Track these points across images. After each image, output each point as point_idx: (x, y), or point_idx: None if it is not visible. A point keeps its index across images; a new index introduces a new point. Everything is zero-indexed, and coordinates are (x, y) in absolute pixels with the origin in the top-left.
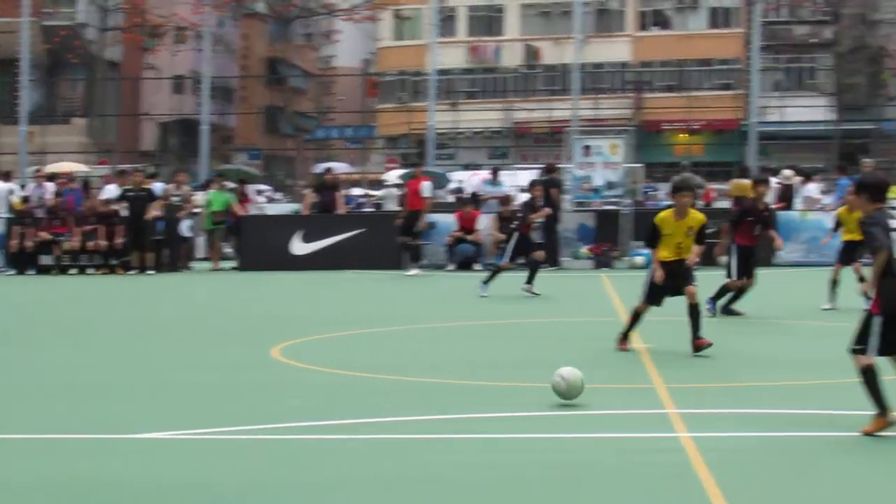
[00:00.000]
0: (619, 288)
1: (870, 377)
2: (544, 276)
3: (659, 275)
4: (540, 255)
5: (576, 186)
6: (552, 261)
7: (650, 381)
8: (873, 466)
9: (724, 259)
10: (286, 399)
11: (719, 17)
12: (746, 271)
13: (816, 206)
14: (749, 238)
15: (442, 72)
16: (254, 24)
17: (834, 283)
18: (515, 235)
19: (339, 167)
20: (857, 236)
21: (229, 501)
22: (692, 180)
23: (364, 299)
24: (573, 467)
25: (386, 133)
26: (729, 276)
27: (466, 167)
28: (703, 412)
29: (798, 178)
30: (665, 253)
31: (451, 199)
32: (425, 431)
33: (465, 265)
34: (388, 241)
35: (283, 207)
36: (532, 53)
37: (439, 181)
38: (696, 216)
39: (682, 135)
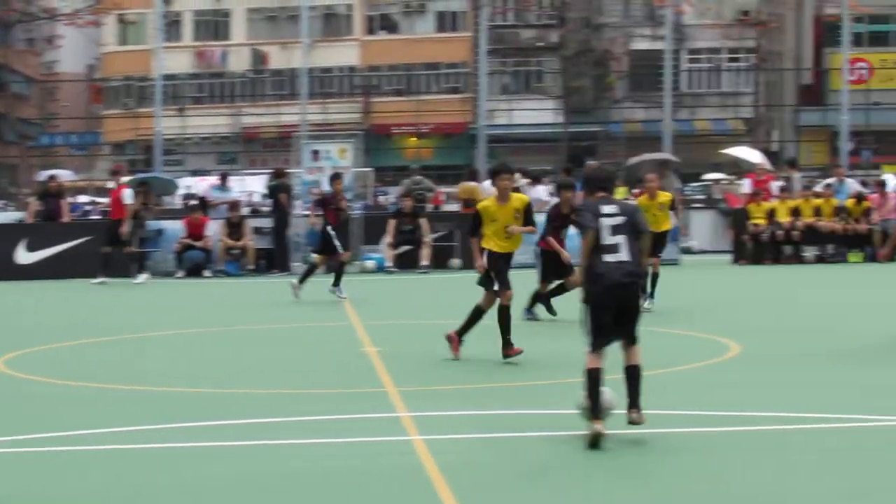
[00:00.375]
0: (351, 291)
1: (589, 380)
2: (276, 283)
3: (480, 264)
4: (345, 255)
5: (305, 191)
6: (282, 266)
7: (381, 385)
8: (601, 466)
9: (455, 262)
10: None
11: (447, 22)
12: (555, 274)
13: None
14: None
15: (168, 77)
16: None
17: None
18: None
19: (64, 174)
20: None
21: None
22: (509, 163)
23: (92, 308)
24: (304, 474)
25: (112, 139)
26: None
27: (195, 173)
28: (434, 415)
29: (526, 181)
30: (494, 242)
31: (179, 205)
32: (150, 441)
33: (194, 272)
34: (116, 250)
35: (8, 216)
36: (259, 58)
37: (167, 187)
38: (520, 198)
39: (411, 138)
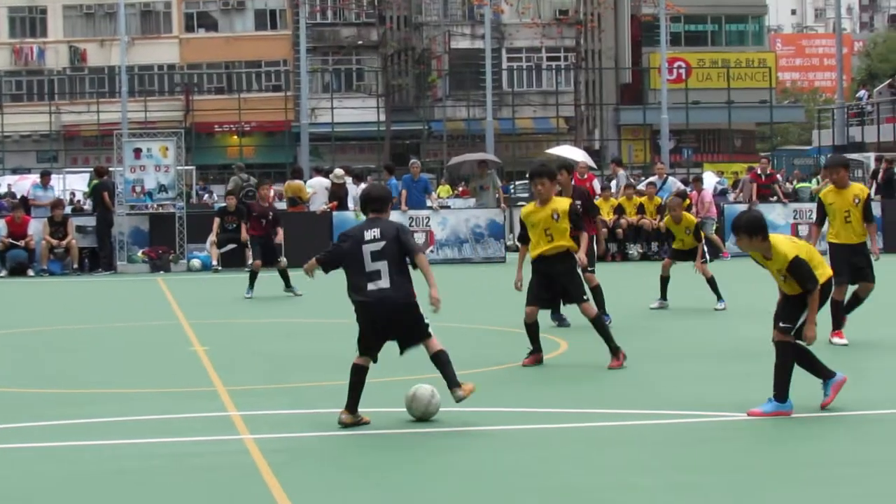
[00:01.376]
0: (176, 290)
1: (352, 374)
2: (100, 282)
3: (518, 279)
4: (282, 261)
5: (127, 190)
6: (107, 265)
7: (211, 385)
8: (428, 462)
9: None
10: None
11: (266, 20)
12: None
13: None
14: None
15: None
16: None
17: None
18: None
19: None
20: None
21: None
22: (549, 164)
23: None
24: (134, 473)
25: None
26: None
27: (14, 171)
28: (264, 413)
29: (349, 178)
30: (537, 245)
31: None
32: None
33: (17, 271)
34: None
35: None
36: (77, 55)
37: None
38: (562, 201)
39: (233, 136)
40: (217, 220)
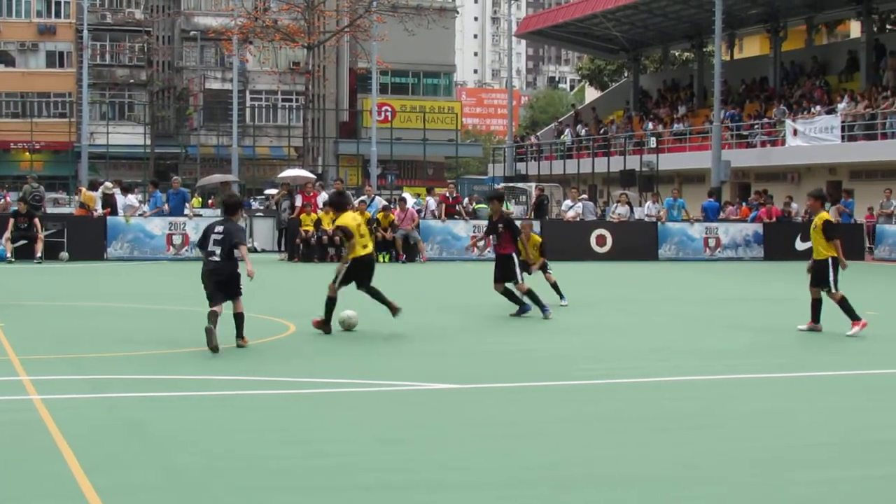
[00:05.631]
0: None
1: (209, 320)
2: None
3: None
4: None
5: None
6: None
7: (4, 354)
8: (189, 417)
9: (63, 255)
10: None
11: (56, 59)
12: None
13: (138, 213)
14: (504, 247)
15: None
16: None
17: None
18: None
19: None
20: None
21: None
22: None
23: None
24: None
25: None
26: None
27: None
28: (52, 378)
29: (118, 189)
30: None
31: None
32: None
33: None
34: None
35: None
36: None
37: None
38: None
39: (25, 153)
40: (11, 221)
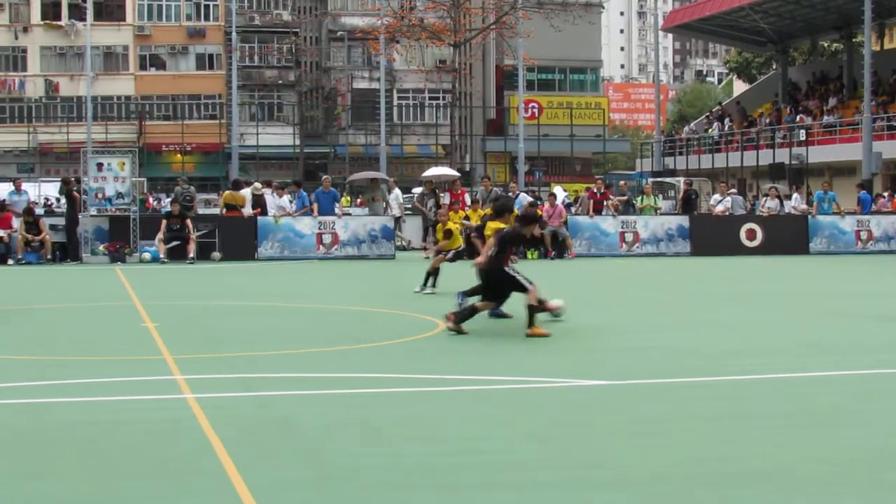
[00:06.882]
0: (131, 278)
1: None
2: (68, 270)
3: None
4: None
5: (92, 196)
6: (74, 257)
7: (159, 354)
8: (338, 416)
9: (216, 255)
10: None
11: (205, 61)
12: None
13: (286, 213)
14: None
15: None
16: None
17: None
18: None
19: None
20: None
21: None
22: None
23: None
24: (95, 427)
25: None
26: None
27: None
28: (205, 377)
29: (268, 190)
30: None
31: None
32: None
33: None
34: None
35: None
36: (51, 87)
37: None
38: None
39: (177, 155)
40: (164, 222)
